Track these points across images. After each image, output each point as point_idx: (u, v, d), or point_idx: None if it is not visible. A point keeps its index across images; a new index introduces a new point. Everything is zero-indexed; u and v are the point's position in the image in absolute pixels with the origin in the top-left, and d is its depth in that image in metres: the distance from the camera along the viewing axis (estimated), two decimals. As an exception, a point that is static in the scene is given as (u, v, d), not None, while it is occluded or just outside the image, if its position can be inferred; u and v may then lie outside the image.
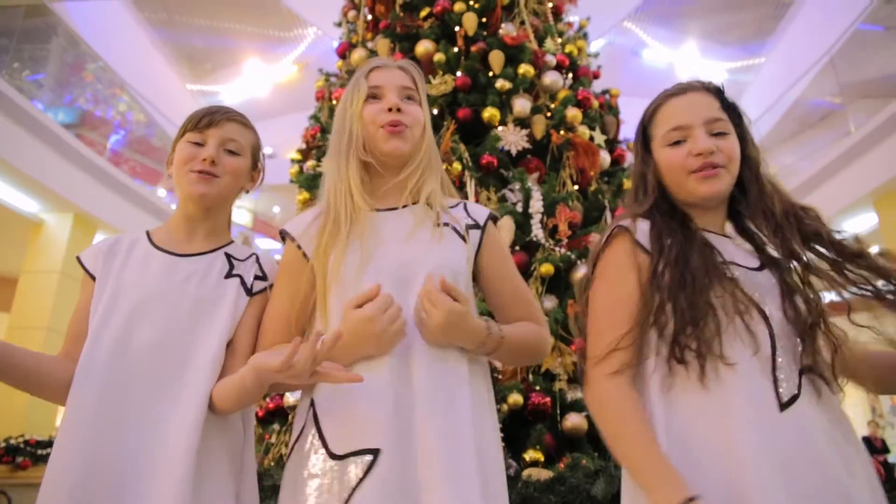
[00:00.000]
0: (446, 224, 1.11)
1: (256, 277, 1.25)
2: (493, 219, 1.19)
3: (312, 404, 1.03)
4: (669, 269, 0.98)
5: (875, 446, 8.29)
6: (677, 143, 1.06)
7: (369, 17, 3.39)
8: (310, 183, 2.88)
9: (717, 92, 1.10)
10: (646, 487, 0.89)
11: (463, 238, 1.11)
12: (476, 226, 1.15)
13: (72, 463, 1.02)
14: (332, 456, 0.95)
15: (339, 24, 3.68)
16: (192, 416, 1.07)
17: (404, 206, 1.13)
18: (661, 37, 12.23)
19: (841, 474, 0.88)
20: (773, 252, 1.07)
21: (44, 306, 6.45)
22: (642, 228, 1.03)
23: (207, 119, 1.22)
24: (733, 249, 1.06)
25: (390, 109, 1.12)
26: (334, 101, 3.12)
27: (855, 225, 7.44)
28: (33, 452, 5.57)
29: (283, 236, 1.17)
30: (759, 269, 1.04)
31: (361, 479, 0.91)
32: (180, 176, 1.22)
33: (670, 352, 0.95)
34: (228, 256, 1.26)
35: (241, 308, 1.22)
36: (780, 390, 0.91)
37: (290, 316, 1.11)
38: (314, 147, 3.05)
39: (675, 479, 0.86)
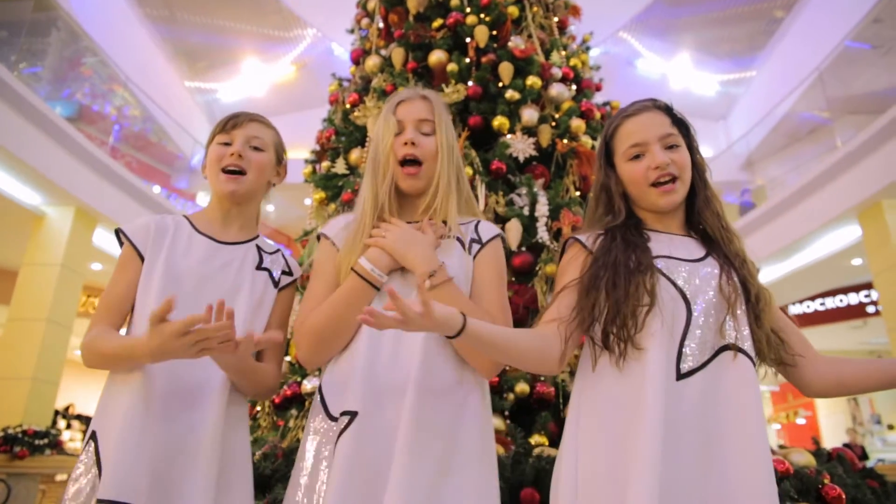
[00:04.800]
0: (454, 237, 1.29)
1: (283, 272, 1.39)
2: (502, 239, 1.34)
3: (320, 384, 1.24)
4: (603, 269, 1.14)
5: (854, 453, 8.48)
6: (637, 157, 1.22)
7: (381, 25, 3.52)
8: (325, 183, 3.01)
9: (667, 109, 1.26)
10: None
11: (465, 249, 1.28)
12: (478, 241, 1.31)
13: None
14: (330, 417, 1.17)
15: (352, 31, 3.81)
16: (216, 404, 1.19)
17: (419, 221, 1.29)
18: (656, 48, 12.45)
19: (712, 444, 1.01)
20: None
21: (43, 299, 6.46)
22: (594, 238, 1.21)
23: (233, 121, 1.40)
24: (681, 244, 1.20)
25: (405, 144, 1.29)
26: (348, 105, 3.25)
27: (839, 237, 7.61)
28: (31, 442, 5.61)
29: (319, 238, 1.34)
30: (704, 258, 1.17)
31: (343, 430, 1.10)
32: (213, 175, 1.38)
33: (602, 339, 1.11)
34: (259, 249, 1.39)
35: (269, 300, 1.35)
36: (682, 364, 1.05)
37: (326, 298, 1.25)
38: (329, 148, 3.18)
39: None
